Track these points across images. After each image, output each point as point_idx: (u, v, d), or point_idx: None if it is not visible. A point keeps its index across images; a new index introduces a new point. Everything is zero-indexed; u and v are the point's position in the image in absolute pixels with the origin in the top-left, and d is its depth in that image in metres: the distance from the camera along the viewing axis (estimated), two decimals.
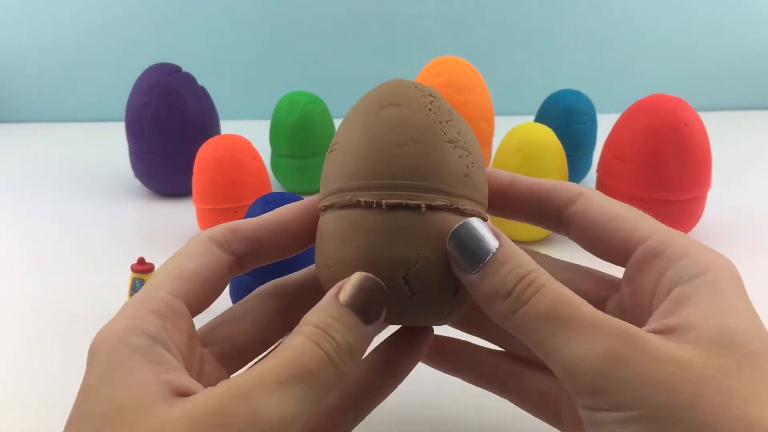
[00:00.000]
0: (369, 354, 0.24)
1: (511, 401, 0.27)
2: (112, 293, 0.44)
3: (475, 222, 0.21)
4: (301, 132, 0.60)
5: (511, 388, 0.26)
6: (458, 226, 0.21)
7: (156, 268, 0.41)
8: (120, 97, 0.66)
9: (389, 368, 0.24)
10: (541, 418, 0.26)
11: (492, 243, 0.20)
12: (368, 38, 0.94)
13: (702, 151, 0.48)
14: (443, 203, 0.21)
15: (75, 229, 0.57)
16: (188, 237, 0.54)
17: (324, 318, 0.19)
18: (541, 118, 0.63)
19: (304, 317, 0.20)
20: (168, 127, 0.60)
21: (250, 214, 0.39)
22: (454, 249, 0.21)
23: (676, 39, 0.94)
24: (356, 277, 0.20)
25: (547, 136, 0.51)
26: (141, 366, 0.18)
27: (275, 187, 0.64)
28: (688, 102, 0.49)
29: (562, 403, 0.25)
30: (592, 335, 0.18)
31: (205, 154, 0.50)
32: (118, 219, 0.59)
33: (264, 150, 0.58)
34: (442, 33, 0.93)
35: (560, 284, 0.20)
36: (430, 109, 0.22)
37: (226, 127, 0.67)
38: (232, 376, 0.20)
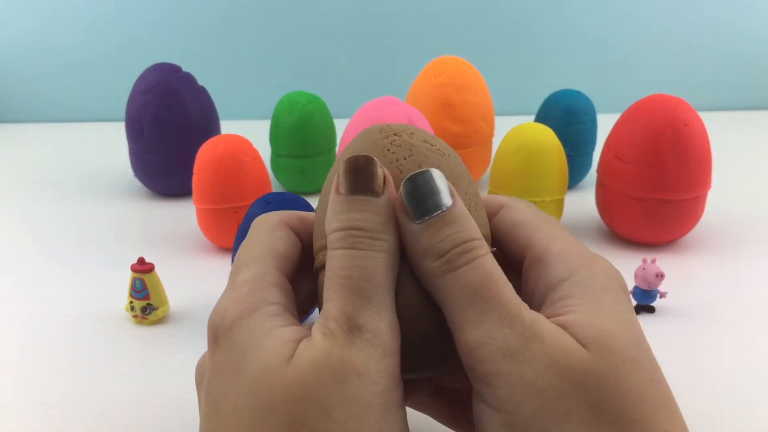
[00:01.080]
0: None
1: None
2: (112, 293, 0.44)
3: (436, 173, 0.20)
4: (301, 132, 0.60)
5: None
6: (417, 172, 0.20)
7: (155, 269, 0.41)
8: (120, 97, 0.66)
9: None
10: None
11: (446, 199, 0.20)
12: (368, 38, 0.93)
13: (702, 151, 0.48)
14: None
15: (75, 229, 0.57)
16: (188, 237, 0.54)
17: (338, 217, 0.20)
18: (541, 118, 0.63)
19: (326, 227, 0.20)
20: (168, 127, 0.60)
21: (250, 215, 0.39)
22: (406, 194, 0.20)
23: (676, 39, 0.94)
24: (343, 164, 0.20)
25: (547, 136, 0.51)
26: (277, 332, 0.19)
27: (275, 187, 0.64)
28: (688, 102, 0.49)
29: None
30: (501, 324, 0.18)
31: (205, 154, 0.50)
32: (118, 219, 0.59)
33: (264, 150, 0.58)
34: (442, 33, 0.93)
35: (495, 263, 0.20)
36: (388, 150, 0.22)
37: (226, 127, 0.67)
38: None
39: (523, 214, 0.23)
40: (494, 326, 0.18)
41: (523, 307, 0.19)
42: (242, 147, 0.51)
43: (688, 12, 0.93)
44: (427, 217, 0.20)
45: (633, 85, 0.93)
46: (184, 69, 0.63)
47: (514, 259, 0.23)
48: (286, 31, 0.93)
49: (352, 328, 0.18)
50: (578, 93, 0.62)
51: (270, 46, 0.94)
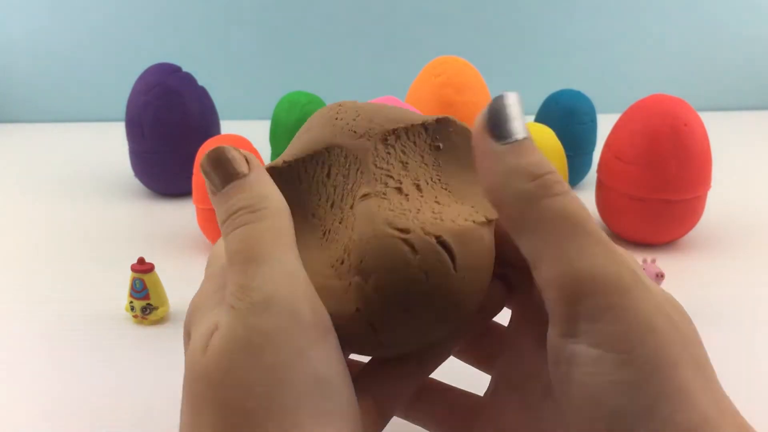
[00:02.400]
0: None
1: None
2: (112, 293, 0.44)
3: (520, 98, 0.19)
4: None
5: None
6: (505, 94, 0.19)
7: (155, 269, 0.41)
8: (120, 97, 0.66)
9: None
10: None
11: (526, 130, 0.19)
12: (368, 38, 0.93)
13: (702, 151, 0.48)
14: (368, 191, 0.22)
15: (75, 229, 0.57)
16: (188, 237, 0.54)
17: (220, 212, 0.20)
18: (541, 118, 0.63)
19: (221, 223, 0.21)
20: (168, 127, 0.60)
21: None
22: (493, 112, 0.19)
23: (676, 39, 0.94)
24: (201, 167, 0.21)
25: (547, 136, 0.51)
26: (208, 316, 0.19)
27: None
28: (688, 102, 0.49)
29: None
30: (612, 258, 0.17)
31: None
32: (118, 219, 0.59)
33: (264, 150, 0.58)
34: (442, 33, 0.93)
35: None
36: (336, 118, 0.24)
37: (226, 127, 0.67)
38: None
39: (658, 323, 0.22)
40: (605, 259, 0.17)
41: (624, 251, 0.19)
42: (242, 147, 0.51)
43: (688, 12, 0.93)
44: (513, 140, 0.18)
45: (633, 85, 0.93)
46: (184, 69, 0.63)
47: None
48: (286, 31, 0.93)
49: (250, 294, 0.18)
50: (578, 93, 0.62)
51: (270, 46, 0.94)
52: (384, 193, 0.22)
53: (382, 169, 0.22)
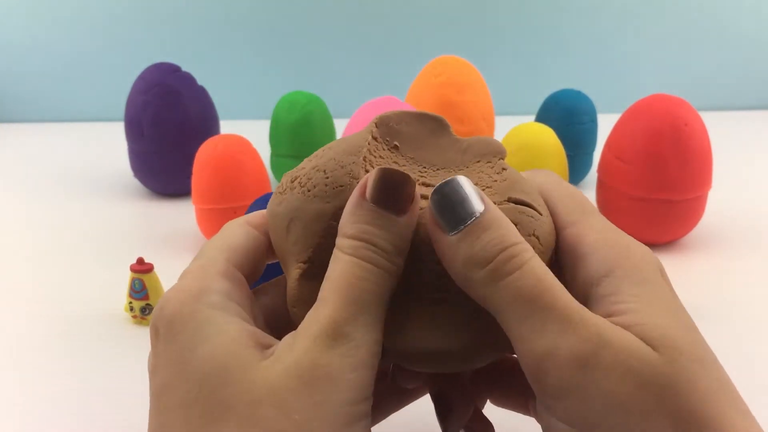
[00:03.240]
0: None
1: None
2: (112, 293, 0.44)
3: (462, 180, 0.19)
4: (300, 132, 0.60)
5: None
6: (443, 182, 0.19)
7: (155, 269, 0.41)
8: (120, 97, 0.66)
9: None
10: None
11: (477, 206, 0.19)
12: (368, 38, 0.93)
13: (703, 151, 0.48)
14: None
15: (74, 229, 0.57)
16: (188, 237, 0.54)
17: (359, 226, 0.19)
18: (541, 118, 0.63)
19: (340, 226, 0.20)
20: (167, 127, 0.60)
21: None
22: (436, 205, 0.19)
23: (676, 39, 0.94)
24: (378, 173, 0.19)
25: (547, 136, 0.51)
26: (227, 320, 0.19)
27: (275, 187, 0.64)
28: (689, 102, 0.49)
29: None
30: (565, 332, 0.17)
31: (205, 154, 0.50)
32: (118, 219, 0.59)
33: (264, 150, 0.58)
34: (442, 33, 0.93)
35: (543, 265, 0.18)
36: (288, 190, 0.23)
37: (226, 127, 0.67)
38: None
39: (545, 189, 0.22)
40: (559, 335, 0.17)
41: (584, 310, 0.18)
42: (242, 147, 0.51)
43: (688, 12, 0.93)
44: (462, 227, 0.19)
45: (633, 85, 0.93)
46: (184, 69, 0.63)
47: None
48: (286, 31, 0.93)
49: (337, 335, 0.18)
50: (579, 93, 0.62)
51: (270, 46, 0.94)
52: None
53: None
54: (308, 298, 0.21)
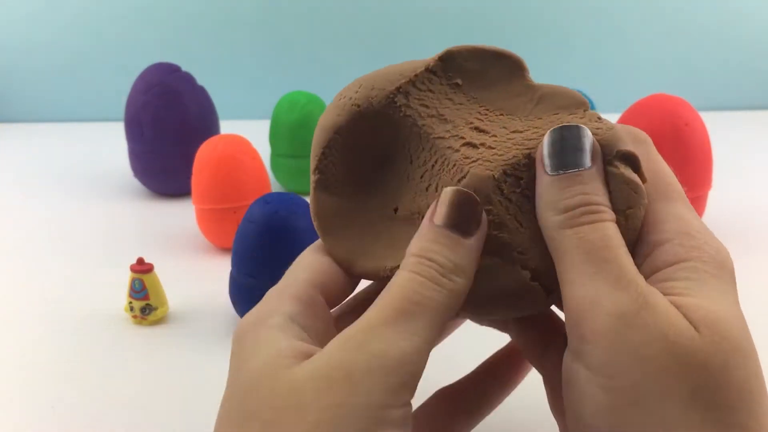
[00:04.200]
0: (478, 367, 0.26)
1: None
2: (112, 293, 0.44)
3: (586, 132, 0.20)
4: (300, 132, 0.60)
5: None
6: (567, 126, 0.20)
7: (155, 269, 0.41)
8: (120, 97, 0.66)
9: (498, 379, 0.26)
10: None
11: (586, 160, 0.19)
12: (368, 38, 0.93)
13: (703, 151, 0.48)
14: None
15: (74, 229, 0.56)
16: (188, 237, 0.54)
17: (423, 244, 0.20)
18: None
19: (408, 249, 0.20)
20: (167, 127, 0.60)
21: (249, 214, 0.39)
22: (550, 143, 0.20)
23: (676, 39, 0.94)
24: (446, 194, 0.20)
25: None
26: (275, 336, 0.19)
27: (275, 187, 0.64)
28: (689, 102, 0.49)
29: None
30: (615, 287, 0.18)
31: (205, 154, 0.50)
32: (118, 219, 0.59)
33: (264, 150, 0.58)
34: (442, 33, 0.93)
35: (618, 232, 0.19)
36: (339, 99, 0.23)
37: (226, 127, 0.67)
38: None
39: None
40: (607, 286, 0.18)
41: (639, 276, 0.18)
42: (242, 147, 0.51)
43: (688, 12, 0.93)
44: (562, 172, 0.19)
45: (633, 84, 0.93)
46: (184, 69, 0.63)
47: None
48: (286, 31, 0.93)
49: (370, 338, 0.18)
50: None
51: (270, 46, 0.94)
52: (466, 149, 0.21)
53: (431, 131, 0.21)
54: (327, 212, 0.22)
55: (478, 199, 0.20)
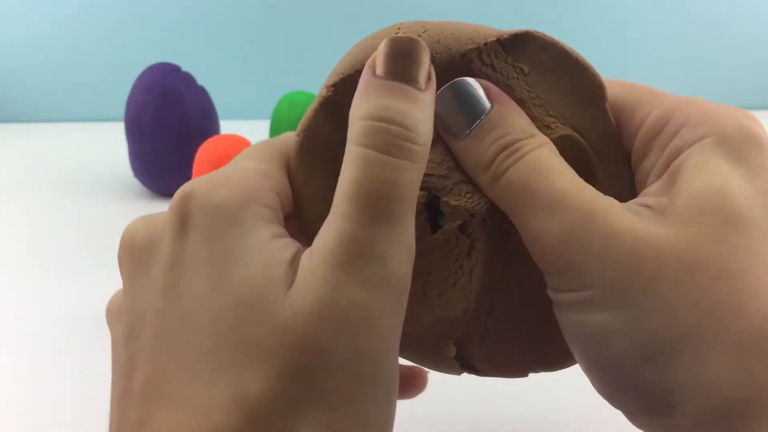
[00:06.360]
0: None
1: None
2: (111, 293, 0.44)
3: (469, 80, 0.18)
4: None
5: None
6: (448, 85, 0.18)
7: None
8: (120, 97, 0.66)
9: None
10: None
11: (484, 103, 0.18)
12: None
13: None
14: None
15: (74, 229, 0.56)
16: None
17: (373, 103, 0.16)
18: None
19: (351, 113, 0.17)
20: (167, 127, 0.60)
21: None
22: (444, 109, 0.18)
23: (676, 39, 0.94)
24: (387, 43, 0.17)
25: None
26: (268, 244, 0.16)
27: None
28: None
29: None
30: (554, 210, 0.17)
31: (205, 154, 0.50)
32: (118, 219, 0.59)
33: None
34: None
35: (547, 151, 0.17)
36: (397, 32, 0.21)
37: (226, 127, 0.67)
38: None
39: (617, 89, 0.20)
40: (546, 215, 0.17)
41: (575, 190, 0.17)
42: (242, 147, 0.51)
43: (689, 12, 0.93)
44: (468, 130, 0.18)
45: None
46: (184, 69, 0.63)
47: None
48: (286, 31, 0.93)
49: (368, 259, 0.15)
50: None
51: (270, 46, 0.94)
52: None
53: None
54: (317, 136, 0.19)
55: (421, 42, 0.17)
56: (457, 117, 0.18)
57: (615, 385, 0.17)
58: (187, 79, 0.62)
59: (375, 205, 0.15)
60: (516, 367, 0.21)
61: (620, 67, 0.95)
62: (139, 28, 0.92)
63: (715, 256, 0.15)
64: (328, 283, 0.15)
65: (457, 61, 0.19)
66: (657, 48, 0.95)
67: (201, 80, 0.64)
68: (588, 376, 0.18)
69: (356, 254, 0.15)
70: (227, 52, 0.93)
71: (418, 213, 0.19)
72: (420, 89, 0.16)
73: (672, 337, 0.15)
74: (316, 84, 0.80)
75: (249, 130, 0.60)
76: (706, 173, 0.16)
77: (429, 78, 0.17)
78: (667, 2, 0.92)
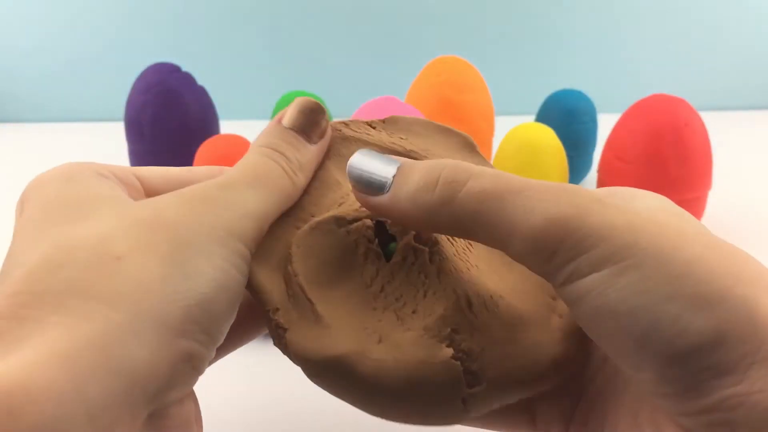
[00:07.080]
0: None
1: None
2: None
3: (363, 152, 0.20)
4: None
5: None
6: (348, 167, 0.20)
7: None
8: (120, 97, 0.66)
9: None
10: None
11: (393, 161, 0.19)
12: (368, 38, 0.93)
13: (703, 152, 0.48)
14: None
15: None
16: None
17: (270, 139, 0.22)
18: (541, 117, 0.63)
19: (253, 142, 0.22)
20: (167, 127, 0.60)
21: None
22: (356, 184, 0.20)
23: (676, 39, 0.94)
24: (297, 102, 0.22)
25: (547, 136, 0.50)
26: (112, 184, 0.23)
27: None
28: (689, 102, 0.49)
29: None
30: (549, 197, 0.17)
31: (205, 154, 0.50)
32: None
33: None
34: (442, 33, 0.93)
35: (482, 166, 0.18)
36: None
37: (226, 127, 0.67)
38: None
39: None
40: (543, 201, 0.17)
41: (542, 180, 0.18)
42: (242, 147, 0.51)
43: (689, 12, 0.93)
44: (390, 181, 0.19)
45: (633, 85, 0.93)
46: (184, 69, 0.63)
47: None
48: (286, 30, 0.93)
49: (227, 186, 0.20)
50: (579, 93, 0.62)
51: (270, 46, 0.94)
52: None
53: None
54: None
55: (324, 109, 0.22)
56: (370, 186, 0.19)
57: (653, 348, 0.16)
58: (187, 79, 0.62)
59: (247, 170, 0.21)
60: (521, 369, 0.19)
61: (620, 66, 0.95)
62: (139, 28, 0.92)
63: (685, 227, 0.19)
64: (206, 186, 0.21)
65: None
66: (657, 48, 0.95)
67: (201, 80, 0.64)
68: (611, 353, 0.17)
69: (218, 189, 0.21)
70: (227, 52, 0.93)
71: (369, 241, 0.20)
72: (310, 142, 0.22)
73: (721, 285, 0.16)
74: (316, 84, 0.81)
75: (249, 130, 0.59)
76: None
77: (323, 135, 0.22)
78: (667, 2, 0.92)
